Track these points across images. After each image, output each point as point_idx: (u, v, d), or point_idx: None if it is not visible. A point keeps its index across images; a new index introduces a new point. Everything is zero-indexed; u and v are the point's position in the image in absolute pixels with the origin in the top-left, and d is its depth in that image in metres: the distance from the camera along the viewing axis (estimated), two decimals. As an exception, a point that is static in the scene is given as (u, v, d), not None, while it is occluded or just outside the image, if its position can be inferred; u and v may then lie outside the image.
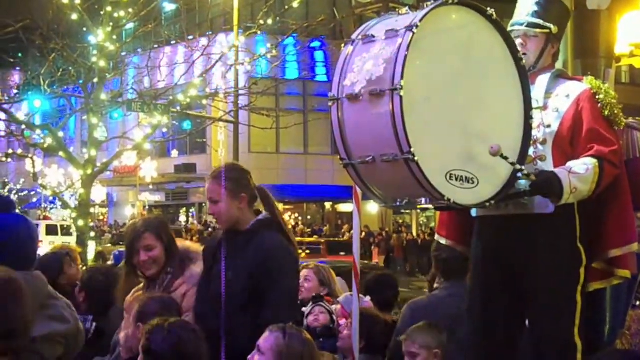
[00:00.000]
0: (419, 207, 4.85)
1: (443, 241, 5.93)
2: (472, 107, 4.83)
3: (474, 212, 5.45)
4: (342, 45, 4.83)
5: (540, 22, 5.36)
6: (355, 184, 4.90)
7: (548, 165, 5.17)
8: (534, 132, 5.15)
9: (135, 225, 6.17)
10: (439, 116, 4.68)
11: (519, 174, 4.84)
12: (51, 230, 39.74)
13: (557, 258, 5.20)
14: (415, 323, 6.12)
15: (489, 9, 4.93)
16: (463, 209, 4.90)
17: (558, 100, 5.26)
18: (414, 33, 4.44)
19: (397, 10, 4.88)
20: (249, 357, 4.90)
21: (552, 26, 5.38)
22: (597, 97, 5.18)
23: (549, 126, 5.25)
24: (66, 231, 39.07)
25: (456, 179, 4.63)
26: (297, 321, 5.78)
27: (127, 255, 5.94)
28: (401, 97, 4.34)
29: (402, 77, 4.36)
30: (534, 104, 5.11)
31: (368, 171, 4.71)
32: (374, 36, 4.69)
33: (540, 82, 5.29)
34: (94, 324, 6.30)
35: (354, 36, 4.81)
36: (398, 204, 4.85)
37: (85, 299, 6.46)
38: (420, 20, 4.48)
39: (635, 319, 7.47)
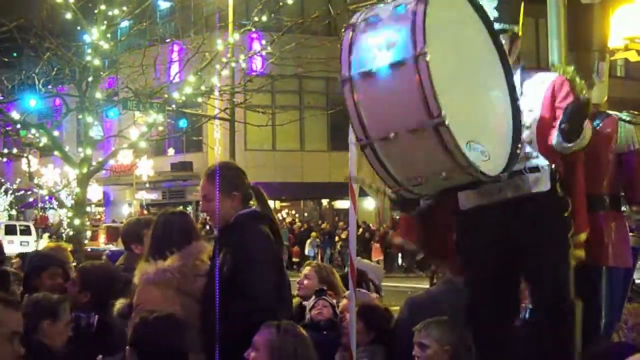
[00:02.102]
0: (435, 187, 4.86)
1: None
2: (479, 84, 4.89)
3: (464, 205, 5.50)
4: (343, 30, 4.83)
5: (506, 26, 5.49)
6: (372, 166, 4.85)
7: (535, 148, 5.29)
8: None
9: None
10: (458, 85, 4.71)
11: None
12: (10, 230, 40.52)
13: (556, 225, 5.31)
14: (413, 319, 6.15)
15: None
16: (482, 181, 4.90)
17: (534, 88, 5.39)
18: (426, 3, 4.45)
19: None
20: (246, 354, 4.92)
21: (514, 27, 5.52)
22: (568, 80, 5.35)
23: (531, 110, 5.36)
24: (25, 231, 39.77)
25: (476, 151, 4.64)
26: (288, 315, 5.81)
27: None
28: (427, 62, 4.34)
29: (424, 43, 4.36)
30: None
31: (387, 149, 4.68)
32: (378, 15, 4.70)
33: (515, 73, 5.42)
34: (96, 317, 6.33)
35: (354, 20, 4.82)
36: (416, 182, 4.82)
37: (91, 298, 6.48)
38: None
39: (632, 312, 7.50)
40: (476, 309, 5.54)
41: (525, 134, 5.26)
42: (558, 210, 5.33)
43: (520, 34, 5.58)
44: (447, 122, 4.33)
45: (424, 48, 4.35)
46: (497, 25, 5.44)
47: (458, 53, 4.84)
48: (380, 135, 4.63)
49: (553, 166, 5.31)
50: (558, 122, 5.16)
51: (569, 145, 5.16)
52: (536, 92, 5.41)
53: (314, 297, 7.09)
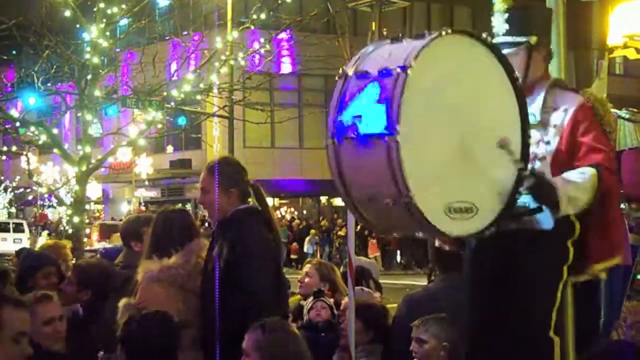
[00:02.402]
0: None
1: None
2: (471, 135, 4.80)
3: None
4: (337, 78, 4.79)
5: (518, 39, 5.34)
6: (354, 217, 4.94)
7: None
8: (534, 148, 5.13)
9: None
10: (436, 154, 4.66)
11: (520, 189, 4.86)
12: (3, 228, 41.01)
13: (546, 260, 5.23)
14: (411, 316, 6.15)
15: (483, 34, 4.92)
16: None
17: (557, 116, 5.24)
18: (407, 75, 4.40)
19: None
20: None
21: (527, 39, 5.35)
22: (593, 109, 5.19)
23: (548, 143, 5.24)
24: (17, 229, 39.99)
25: (455, 211, 4.62)
26: (284, 312, 5.83)
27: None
28: (397, 142, 4.32)
29: (398, 122, 4.34)
30: (532, 120, 5.10)
31: (366, 208, 4.69)
32: (367, 73, 4.65)
33: (537, 96, 5.28)
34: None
35: (347, 69, 4.76)
36: (395, 235, 4.91)
37: (91, 296, 6.51)
38: (414, 59, 4.44)
39: (631, 310, 7.52)
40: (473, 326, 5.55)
41: (537, 166, 5.16)
42: (558, 244, 5.26)
43: (539, 42, 5.42)
44: (414, 202, 4.33)
45: (396, 128, 4.33)
46: (507, 39, 5.34)
47: (446, 112, 4.76)
48: (359, 198, 4.66)
49: None
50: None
51: (563, 214, 5.07)
52: (557, 122, 5.26)
53: (312, 298, 7.11)
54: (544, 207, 5.08)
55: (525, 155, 4.94)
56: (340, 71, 4.76)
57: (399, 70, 4.41)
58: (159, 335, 4.85)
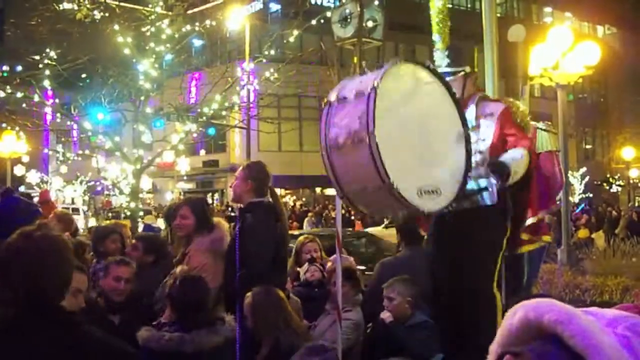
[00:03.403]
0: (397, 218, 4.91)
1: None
2: (426, 135, 4.84)
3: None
4: (323, 104, 4.82)
5: (456, 69, 5.44)
6: (351, 209, 5.00)
7: (487, 169, 5.24)
8: (475, 146, 5.20)
9: (180, 200, 6.35)
10: (403, 149, 4.69)
11: (468, 177, 4.89)
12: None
13: (492, 234, 5.27)
14: (384, 276, 6.17)
15: (427, 61, 4.99)
16: (433, 215, 4.96)
17: (487, 120, 5.33)
18: (375, 92, 4.45)
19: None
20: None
21: (466, 68, 5.47)
22: (511, 111, 5.28)
23: (483, 140, 5.31)
24: (74, 212, 39.22)
25: (425, 193, 4.65)
26: (279, 281, 5.84)
27: (170, 220, 6.12)
28: (376, 141, 4.36)
29: (374, 125, 4.38)
30: (470, 125, 5.17)
31: (358, 198, 4.74)
32: (346, 97, 4.68)
33: (470, 108, 5.37)
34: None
35: (330, 98, 4.79)
36: (384, 217, 4.96)
37: (154, 259, 6.53)
38: (380, 80, 4.50)
39: (546, 271, 7.52)
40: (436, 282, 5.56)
41: (478, 158, 5.22)
42: (499, 220, 5.30)
43: (469, 71, 5.52)
44: (395, 186, 4.36)
45: (372, 130, 4.36)
46: (448, 69, 5.41)
47: (409, 116, 4.79)
48: (351, 192, 4.69)
49: (498, 184, 5.24)
50: (493, 180, 5.12)
51: (509, 183, 5.11)
52: (488, 123, 5.35)
53: (307, 264, 7.15)
54: (487, 187, 5.18)
55: (468, 159, 4.99)
56: (325, 100, 4.82)
57: (369, 90, 4.46)
58: (193, 293, 4.87)
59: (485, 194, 5.28)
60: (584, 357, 1.27)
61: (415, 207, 4.55)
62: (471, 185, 5.08)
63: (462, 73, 5.47)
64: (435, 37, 5.51)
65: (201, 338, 4.62)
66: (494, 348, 1.43)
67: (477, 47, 5.84)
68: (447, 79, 5.32)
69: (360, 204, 4.83)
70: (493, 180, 5.22)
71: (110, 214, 40.63)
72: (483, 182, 5.26)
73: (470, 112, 5.35)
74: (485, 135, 5.33)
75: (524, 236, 5.45)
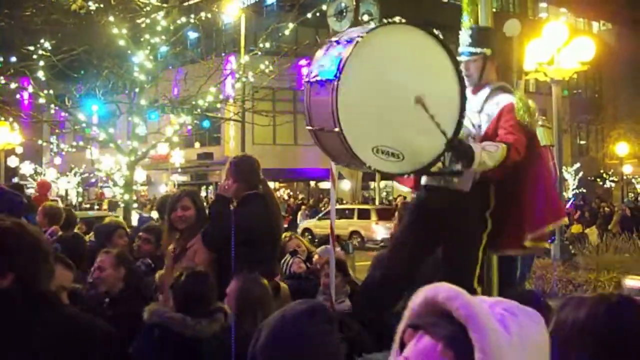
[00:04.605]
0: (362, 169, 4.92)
1: (405, 189, 5.99)
2: (410, 100, 4.77)
3: (423, 180, 5.46)
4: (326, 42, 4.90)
5: (477, 50, 5.37)
6: (316, 145, 5.02)
7: None
8: (470, 129, 5.18)
9: (178, 191, 6.28)
10: (372, 103, 4.70)
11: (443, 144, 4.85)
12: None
13: (466, 223, 5.21)
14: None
15: (435, 30, 4.95)
16: (386, 175, 4.96)
17: (490, 107, 5.27)
18: (362, 38, 4.50)
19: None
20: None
21: (485, 50, 5.38)
22: (515, 107, 5.20)
23: (479, 127, 5.27)
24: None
25: (382, 153, 4.67)
26: (270, 269, 5.85)
27: (169, 212, 6.01)
28: (338, 85, 4.43)
29: (342, 70, 4.44)
30: (475, 108, 5.15)
31: (321, 137, 4.83)
32: (338, 42, 4.75)
33: (482, 93, 5.31)
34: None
35: (334, 37, 4.88)
36: (341, 164, 4.99)
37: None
38: (370, 31, 4.55)
39: (539, 266, 7.54)
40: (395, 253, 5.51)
41: (470, 142, 5.18)
42: (476, 210, 5.24)
43: (491, 54, 5.43)
44: (343, 132, 4.42)
45: (339, 74, 4.42)
46: (470, 49, 5.37)
47: (389, 76, 4.78)
48: (316, 126, 4.77)
49: (477, 174, 5.17)
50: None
51: (469, 168, 5.03)
52: (490, 111, 5.28)
53: (289, 256, 7.19)
54: (462, 171, 5.10)
55: (458, 127, 4.97)
56: (328, 39, 4.91)
57: (356, 37, 4.52)
58: (196, 287, 4.90)
59: (459, 179, 5.20)
60: (466, 325, 1.56)
61: (359, 159, 4.58)
62: (451, 167, 5.08)
63: (482, 55, 5.39)
64: (464, 15, 5.48)
65: (201, 326, 4.68)
66: (400, 326, 1.69)
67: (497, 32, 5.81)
68: (465, 58, 5.31)
69: (322, 143, 4.90)
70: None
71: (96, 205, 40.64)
72: (459, 166, 5.15)
73: (481, 96, 5.30)
74: (483, 122, 5.29)
75: (528, 243, 5.33)
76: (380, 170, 4.76)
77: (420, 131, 4.82)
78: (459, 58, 5.20)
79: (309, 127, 4.86)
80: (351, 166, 4.97)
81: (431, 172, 5.01)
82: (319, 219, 33.63)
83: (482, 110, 5.26)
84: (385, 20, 4.72)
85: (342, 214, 32.15)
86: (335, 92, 4.43)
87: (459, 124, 4.99)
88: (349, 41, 4.61)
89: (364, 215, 32.84)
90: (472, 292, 5.21)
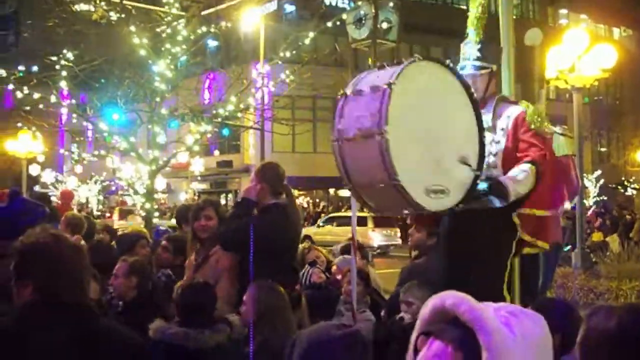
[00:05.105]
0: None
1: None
2: (441, 135, 4.85)
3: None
4: (338, 97, 4.84)
5: (485, 64, 5.41)
6: (357, 201, 5.00)
7: (499, 172, 5.23)
8: (488, 147, 5.19)
9: (202, 201, 6.33)
10: (415, 147, 4.71)
11: (478, 181, 4.91)
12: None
13: (498, 236, 5.25)
14: (407, 280, 6.17)
15: (447, 60, 5.00)
16: (440, 214, 4.99)
17: (502, 122, 5.31)
18: (391, 89, 4.47)
19: (378, 64, 4.90)
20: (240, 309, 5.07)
21: (493, 66, 5.44)
22: (528, 115, 5.26)
23: (498, 142, 5.29)
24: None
25: (433, 193, 4.67)
26: (291, 280, 5.88)
27: (192, 221, 6.06)
28: (387, 138, 4.39)
29: (386, 123, 4.41)
30: (485, 125, 5.16)
31: (365, 193, 4.79)
32: (362, 91, 4.70)
33: (489, 108, 5.35)
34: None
35: (347, 90, 4.82)
36: (389, 213, 4.97)
37: (183, 261, 6.55)
38: (396, 78, 4.52)
39: (560, 275, 7.51)
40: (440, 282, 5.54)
41: (491, 160, 5.22)
42: (507, 221, 5.28)
43: (497, 70, 5.52)
44: (401, 182, 4.41)
45: (385, 128, 4.39)
46: (477, 63, 5.40)
47: (423, 115, 4.79)
48: (359, 184, 4.73)
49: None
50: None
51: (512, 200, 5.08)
52: (503, 125, 5.34)
53: (308, 266, 7.22)
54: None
55: (481, 161, 5.00)
56: (340, 92, 4.85)
57: (385, 86, 4.48)
58: (197, 299, 4.96)
59: (492, 198, 5.26)
60: (473, 327, 1.69)
61: (419, 205, 4.58)
62: (482, 186, 5.08)
63: (489, 70, 5.44)
64: (470, 30, 5.48)
65: (204, 337, 4.77)
66: (412, 335, 1.83)
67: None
68: (472, 71, 5.35)
69: (367, 197, 4.86)
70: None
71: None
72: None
73: (489, 112, 5.35)
74: (499, 137, 5.32)
75: (525, 237, 5.40)
76: (437, 211, 4.81)
77: (452, 161, 4.88)
78: (462, 71, 5.25)
79: (350, 186, 4.83)
80: (401, 213, 4.95)
81: (473, 196, 5.04)
82: (319, 226, 33.80)
83: (495, 125, 5.31)
84: (405, 61, 4.71)
85: (340, 222, 33.04)
86: (385, 145, 4.41)
87: (482, 157, 5.04)
88: (376, 89, 4.58)
89: (360, 222, 33.14)
90: (503, 299, 5.28)
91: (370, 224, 32.06)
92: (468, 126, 5.02)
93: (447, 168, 4.84)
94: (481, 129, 5.03)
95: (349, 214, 35.51)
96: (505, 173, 5.19)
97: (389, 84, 4.49)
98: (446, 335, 1.73)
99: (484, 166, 5.07)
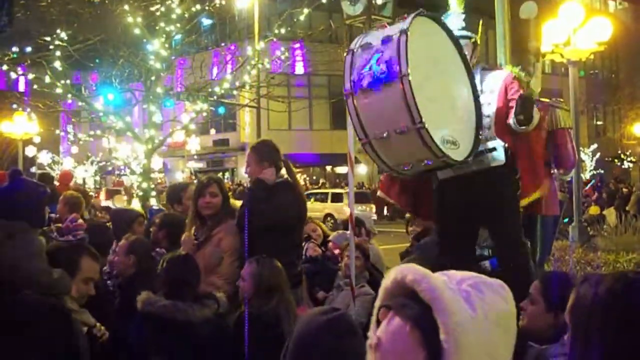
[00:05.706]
0: (419, 169, 4.89)
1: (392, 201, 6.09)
2: (450, 88, 4.91)
3: (440, 175, 5.52)
4: (344, 54, 4.82)
5: (469, 34, 5.49)
6: (372, 159, 4.96)
7: (493, 132, 5.31)
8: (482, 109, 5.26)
9: (206, 178, 6.26)
10: (433, 95, 4.73)
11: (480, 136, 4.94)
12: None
13: (508, 188, 5.35)
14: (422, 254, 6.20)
15: (445, 22, 5.06)
16: (453, 165, 4.98)
17: (491, 84, 5.39)
18: (407, 36, 4.47)
19: (379, 22, 4.94)
20: (237, 282, 5.08)
21: (475, 36, 5.52)
22: (515, 77, 5.37)
23: (489, 104, 5.36)
24: None
25: (448, 143, 4.69)
26: (296, 256, 5.88)
27: (195, 198, 6.01)
28: (410, 81, 4.38)
29: (407, 67, 4.40)
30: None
31: (382, 145, 4.74)
32: (370, 43, 4.70)
33: (474, 75, 5.42)
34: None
35: (352, 46, 4.81)
36: (405, 168, 4.90)
37: (165, 235, 6.47)
38: (410, 25, 4.53)
39: (557, 248, 7.54)
40: (444, 251, 5.58)
41: (485, 122, 5.28)
42: (510, 177, 5.38)
43: (479, 42, 5.59)
44: (426, 126, 4.38)
45: (407, 71, 4.38)
46: (463, 33, 5.44)
47: (431, 70, 4.85)
48: (376, 136, 4.68)
49: (506, 145, 5.34)
50: (513, 113, 5.19)
51: (522, 128, 5.20)
52: (493, 88, 5.41)
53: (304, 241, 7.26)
54: (496, 147, 5.24)
55: (479, 110, 5.08)
56: (346, 50, 4.86)
57: (398, 34, 4.49)
58: (177, 270, 4.97)
59: (495, 154, 5.36)
60: (431, 306, 1.69)
61: (441, 151, 4.57)
62: (480, 147, 5.18)
63: (473, 40, 5.53)
64: (452, 1, 5.51)
65: (193, 310, 4.77)
66: (376, 304, 1.84)
67: (482, 20, 5.89)
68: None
69: (383, 151, 4.83)
70: (500, 142, 5.30)
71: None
72: (491, 144, 5.34)
73: (476, 77, 5.42)
74: (490, 99, 5.42)
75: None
76: (454, 160, 4.79)
77: (459, 116, 4.91)
78: None
79: (365, 140, 4.78)
80: (418, 165, 4.87)
81: (477, 152, 5.10)
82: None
83: (484, 90, 5.39)
84: (412, 13, 4.73)
85: (316, 197, 34.19)
86: (409, 89, 4.39)
87: (479, 112, 5.11)
88: (388, 40, 4.57)
89: (336, 198, 34.29)
90: (524, 243, 5.34)
91: (346, 200, 32.14)
92: (466, 85, 5.11)
93: (457, 119, 4.88)
94: (475, 89, 5.15)
95: (324, 190, 36.08)
96: (498, 133, 5.31)
97: (404, 31, 4.50)
98: (405, 313, 1.73)
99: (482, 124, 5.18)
